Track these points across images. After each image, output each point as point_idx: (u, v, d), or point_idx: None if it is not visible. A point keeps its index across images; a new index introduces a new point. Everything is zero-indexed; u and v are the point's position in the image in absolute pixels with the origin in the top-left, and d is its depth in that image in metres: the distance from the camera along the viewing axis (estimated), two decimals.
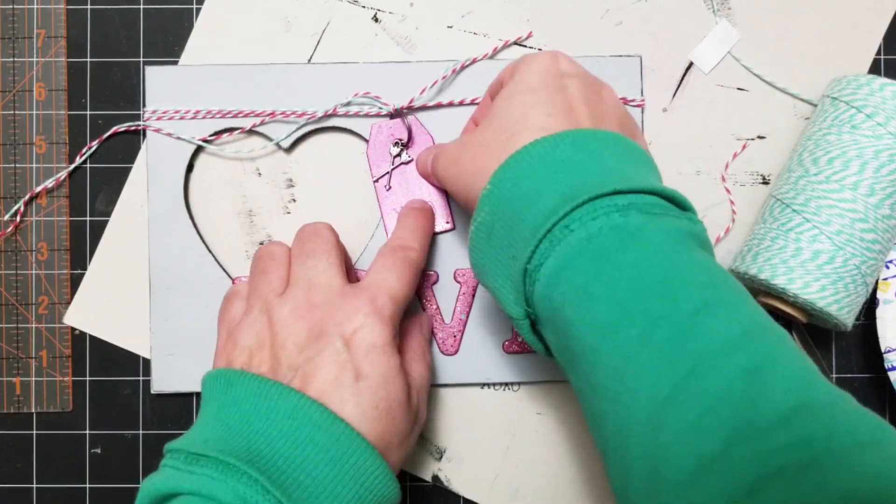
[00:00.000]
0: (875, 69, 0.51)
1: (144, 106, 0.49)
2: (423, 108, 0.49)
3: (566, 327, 0.34)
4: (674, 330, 0.32)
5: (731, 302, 0.33)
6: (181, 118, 0.49)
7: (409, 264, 0.42)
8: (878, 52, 0.51)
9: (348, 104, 0.49)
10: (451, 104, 0.49)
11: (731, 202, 0.50)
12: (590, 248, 0.34)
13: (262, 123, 0.49)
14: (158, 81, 0.49)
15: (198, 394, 0.49)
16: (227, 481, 0.34)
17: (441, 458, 0.49)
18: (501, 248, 0.37)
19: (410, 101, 0.48)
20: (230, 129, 0.49)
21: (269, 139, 0.49)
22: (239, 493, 0.34)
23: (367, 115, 0.49)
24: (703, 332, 0.31)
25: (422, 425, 0.42)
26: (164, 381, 0.49)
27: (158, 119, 0.49)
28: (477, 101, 0.48)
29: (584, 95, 0.39)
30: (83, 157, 0.50)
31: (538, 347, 0.39)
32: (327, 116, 0.49)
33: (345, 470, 0.36)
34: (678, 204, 0.37)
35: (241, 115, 0.48)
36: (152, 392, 0.49)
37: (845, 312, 0.45)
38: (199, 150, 0.49)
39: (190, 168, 0.49)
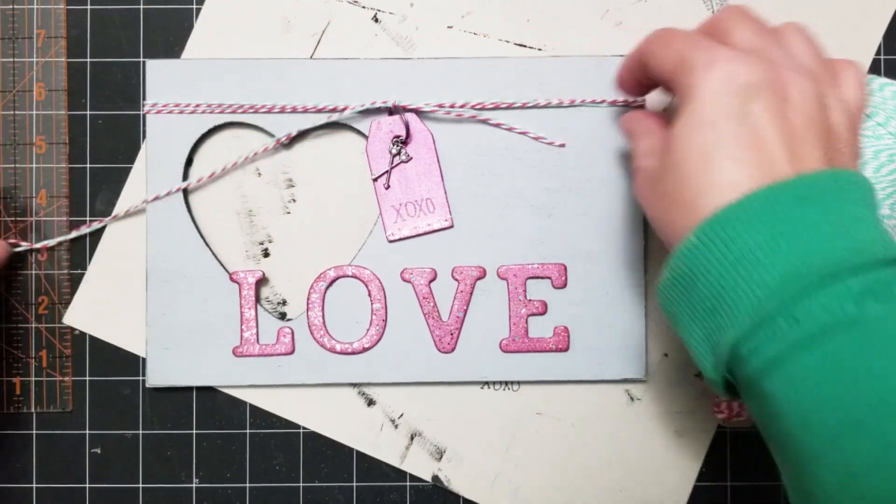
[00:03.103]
0: (875, 69, 0.51)
1: (144, 99, 0.49)
2: (424, 105, 0.49)
3: (777, 419, 0.32)
4: None
5: None
6: (181, 112, 0.49)
7: None
8: (878, 53, 0.51)
9: (349, 101, 0.49)
10: (452, 106, 0.49)
11: None
12: (819, 348, 0.30)
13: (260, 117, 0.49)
14: (159, 75, 0.49)
15: (195, 388, 0.49)
16: None
17: (441, 458, 0.49)
18: (703, 310, 0.34)
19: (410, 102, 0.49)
20: (230, 124, 0.49)
21: (271, 135, 0.49)
22: None
23: (367, 111, 0.49)
24: None
25: None
26: (159, 375, 0.49)
27: (158, 113, 0.49)
28: (481, 104, 0.48)
29: (775, 117, 0.33)
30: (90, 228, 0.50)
31: (728, 396, 0.36)
32: (328, 111, 0.49)
33: None
34: None
35: (241, 109, 0.48)
36: (147, 386, 0.49)
37: None
38: (198, 146, 0.49)
39: (189, 162, 0.49)
